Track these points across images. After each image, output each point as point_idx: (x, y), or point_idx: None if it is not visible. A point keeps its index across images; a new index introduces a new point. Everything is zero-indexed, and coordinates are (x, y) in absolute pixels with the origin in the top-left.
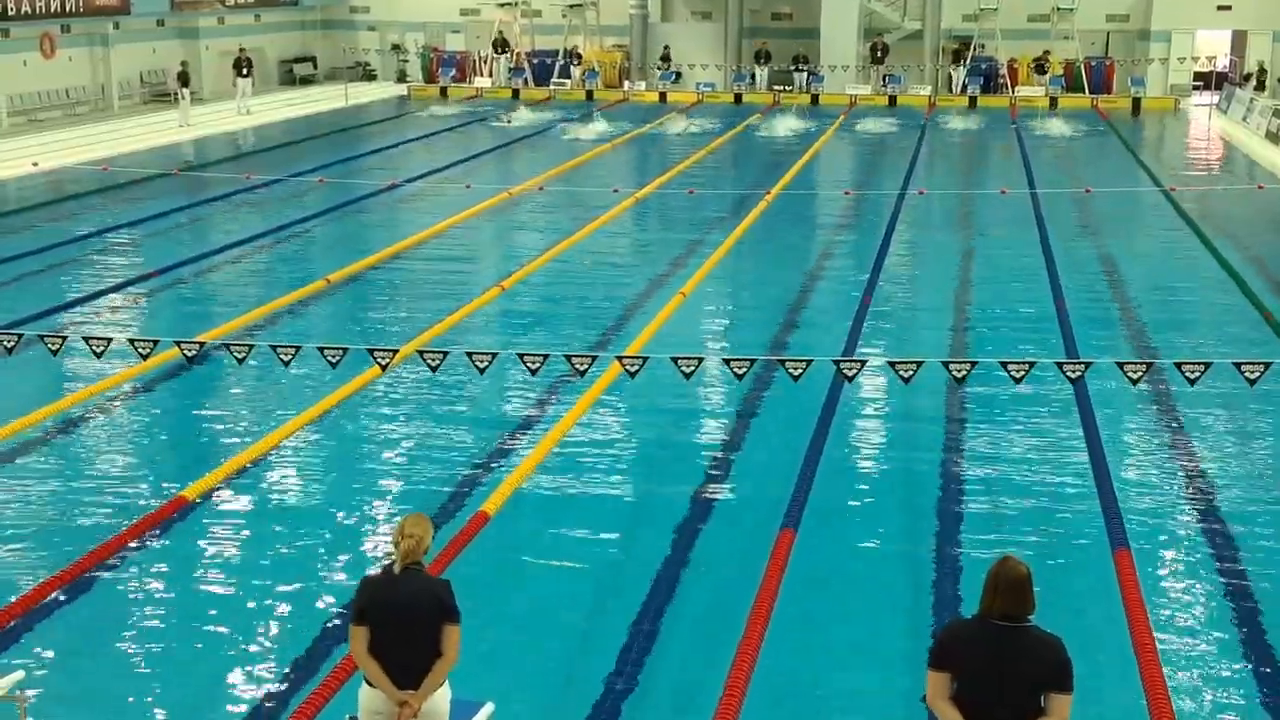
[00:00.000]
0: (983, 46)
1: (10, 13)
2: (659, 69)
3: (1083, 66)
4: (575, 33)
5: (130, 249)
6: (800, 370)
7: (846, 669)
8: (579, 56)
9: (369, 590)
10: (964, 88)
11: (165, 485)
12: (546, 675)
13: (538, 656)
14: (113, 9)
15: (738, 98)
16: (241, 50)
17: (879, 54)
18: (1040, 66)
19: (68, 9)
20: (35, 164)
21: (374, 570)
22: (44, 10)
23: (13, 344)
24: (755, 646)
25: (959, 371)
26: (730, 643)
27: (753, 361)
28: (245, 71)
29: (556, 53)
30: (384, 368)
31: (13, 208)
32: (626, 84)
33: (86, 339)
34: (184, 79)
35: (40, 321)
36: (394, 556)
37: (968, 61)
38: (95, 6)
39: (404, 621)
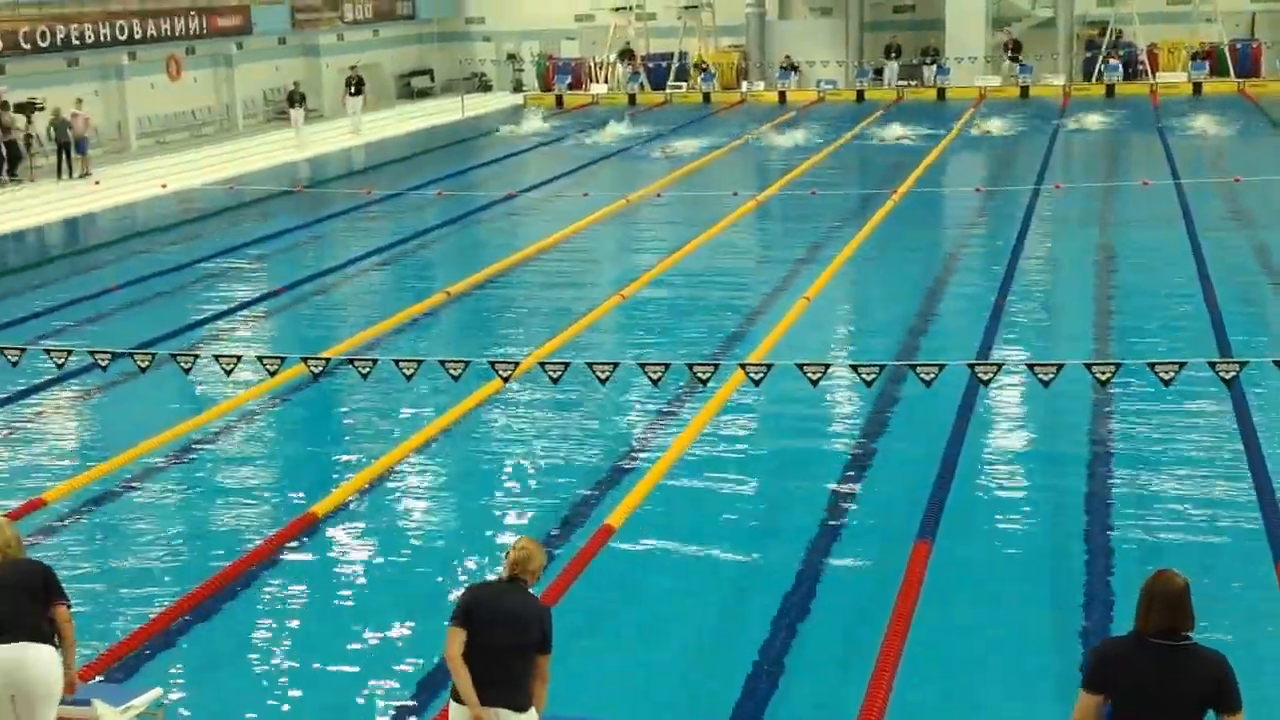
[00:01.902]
0: (1120, 32)
1: (137, 36)
2: (782, 66)
3: (1227, 50)
4: (690, 35)
5: (256, 267)
6: (933, 375)
7: (988, 690)
8: (705, 65)
9: (473, 594)
10: (1100, 76)
11: (295, 502)
12: (672, 694)
13: (664, 674)
14: (235, 29)
15: (860, 95)
16: (353, 69)
17: (1010, 50)
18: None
19: (192, 31)
20: (164, 185)
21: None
22: (169, 33)
23: (146, 363)
24: (891, 666)
25: (1103, 374)
26: (865, 662)
27: (882, 367)
28: (356, 90)
29: (671, 56)
30: (505, 380)
31: (143, 229)
32: (744, 84)
33: (216, 357)
34: (296, 99)
35: (172, 340)
36: (508, 562)
37: (1105, 48)
38: (219, 27)
39: (498, 634)
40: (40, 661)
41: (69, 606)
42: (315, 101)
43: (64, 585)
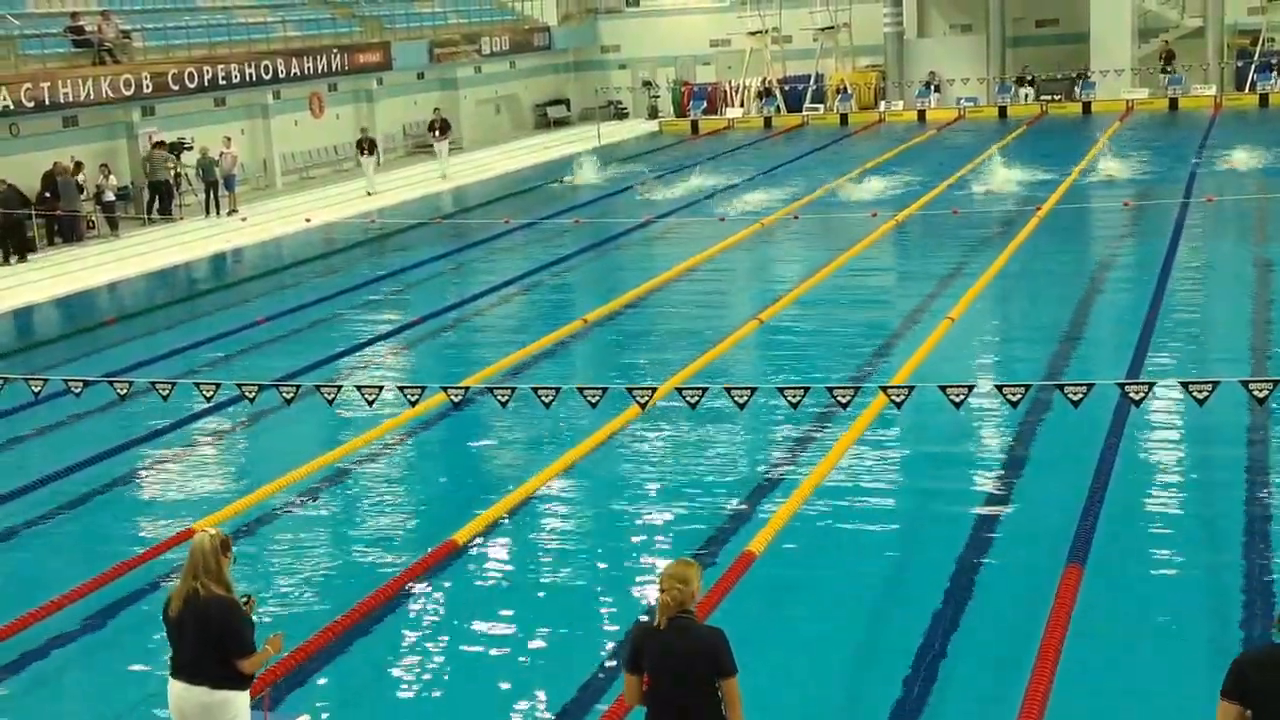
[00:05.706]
0: (1272, 40)
1: (281, 75)
2: (924, 83)
3: None
4: (827, 56)
5: (396, 298)
6: (1081, 395)
7: (1146, 717)
8: (844, 85)
9: (639, 638)
10: (1253, 85)
11: (436, 529)
12: None
13: (809, 702)
14: (376, 65)
15: (1002, 111)
16: (436, 111)
17: (1163, 60)
18: None
19: (334, 68)
20: (308, 220)
21: (644, 617)
22: (313, 71)
23: (291, 395)
24: (1044, 693)
25: (1260, 391)
26: (1016, 688)
27: (1028, 387)
28: (440, 134)
29: (808, 78)
30: (643, 406)
31: (289, 263)
32: (882, 104)
33: (359, 388)
34: (366, 146)
35: (316, 372)
36: (659, 605)
37: (1257, 56)
38: (360, 64)
39: (672, 675)
40: (215, 706)
41: (249, 656)
42: (455, 133)
43: (249, 628)
